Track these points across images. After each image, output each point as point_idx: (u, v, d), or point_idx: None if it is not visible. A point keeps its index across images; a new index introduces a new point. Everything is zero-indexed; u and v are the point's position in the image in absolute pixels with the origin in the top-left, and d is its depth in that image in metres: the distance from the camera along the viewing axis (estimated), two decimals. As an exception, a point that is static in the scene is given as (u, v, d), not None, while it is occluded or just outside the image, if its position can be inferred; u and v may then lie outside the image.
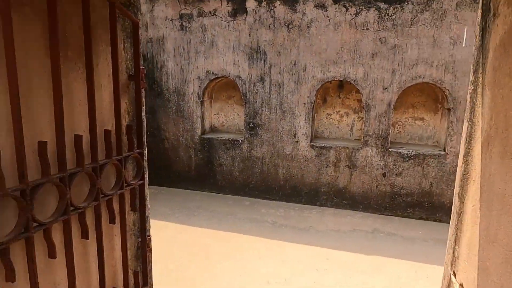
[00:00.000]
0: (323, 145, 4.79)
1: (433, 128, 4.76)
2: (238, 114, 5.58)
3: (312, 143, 4.84)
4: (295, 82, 4.75)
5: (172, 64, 5.25)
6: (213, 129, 5.73)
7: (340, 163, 4.75)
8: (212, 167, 5.36)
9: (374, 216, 4.64)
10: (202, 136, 5.35)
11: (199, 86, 5.18)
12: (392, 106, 4.43)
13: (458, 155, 4.42)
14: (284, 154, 4.97)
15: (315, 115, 5.16)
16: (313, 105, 4.76)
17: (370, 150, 4.60)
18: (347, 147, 4.69)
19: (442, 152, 4.36)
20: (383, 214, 4.68)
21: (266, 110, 4.94)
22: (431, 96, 4.69)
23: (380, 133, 4.53)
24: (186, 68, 5.19)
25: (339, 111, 5.11)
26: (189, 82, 5.22)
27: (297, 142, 4.89)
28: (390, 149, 4.52)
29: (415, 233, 4.18)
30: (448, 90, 4.19)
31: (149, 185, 5.63)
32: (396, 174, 4.55)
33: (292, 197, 5.05)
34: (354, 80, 4.51)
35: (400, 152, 4.49)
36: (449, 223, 4.45)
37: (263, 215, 4.65)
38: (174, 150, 5.51)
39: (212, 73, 5.09)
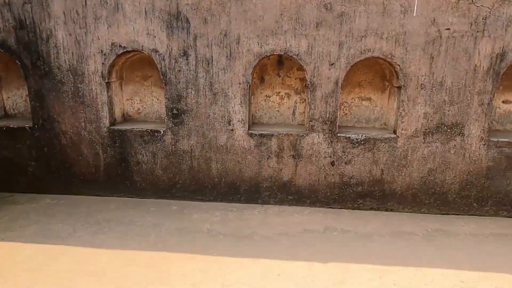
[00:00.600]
0: (263, 132, 4.05)
1: (380, 108, 4.33)
2: (157, 99, 4.53)
3: (250, 131, 4.07)
4: (227, 57, 3.88)
5: (63, 34, 3.95)
6: (127, 118, 4.59)
7: (283, 153, 4.07)
8: (128, 166, 4.27)
9: (324, 211, 4.09)
10: (112, 127, 4.20)
11: (103, 63, 4.00)
12: (339, 85, 3.84)
13: (410, 138, 4.07)
14: (218, 146, 4.12)
15: (252, 97, 4.37)
16: (249, 85, 3.96)
17: (317, 136, 3.99)
18: (290, 134, 4.01)
19: (393, 135, 3.93)
20: (332, 208, 4.16)
21: (193, 92, 4.00)
22: (378, 73, 4.23)
23: (327, 116, 3.93)
24: (83, 39, 3.95)
25: (279, 92, 4.40)
26: (88, 58, 4.00)
27: (232, 130, 4.06)
28: (338, 134, 3.97)
29: (369, 227, 3.72)
30: (399, 65, 3.73)
31: (42, 193, 4.28)
32: (345, 162, 4.02)
33: (230, 196, 4.25)
34: (297, 54, 3.80)
35: (349, 137, 3.96)
36: (400, 212, 4.09)
37: (196, 222, 3.77)
38: (74, 147, 4.27)
39: (120, 45, 3.94)
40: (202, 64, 3.91)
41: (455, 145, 3.86)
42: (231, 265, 3.02)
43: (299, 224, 3.78)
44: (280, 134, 4.02)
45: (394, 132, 3.99)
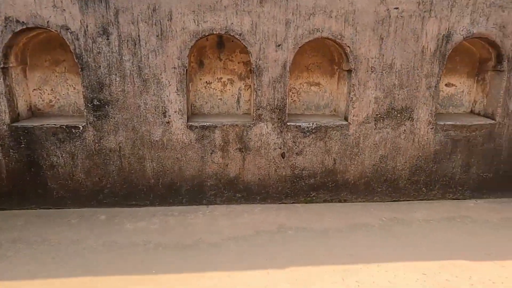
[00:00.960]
0: (205, 124, 3.55)
1: (330, 94, 4.08)
2: (74, 88, 3.76)
3: (190, 123, 3.54)
4: (157, 36, 3.28)
5: None
6: (35, 113, 3.76)
7: (229, 146, 3.62)
8: (39, 171, 3.49)
9: (276, 208, 3.75)
10: (14, 124, 3.37)
11: (-5, 43, 3.15)
12: (288, 68, 3.48)
13: (361, 124, 3.88)
14: (152, 141, 3.53)
15: (190, 84, 3.83)
16: (186, 70, 3.42)
17: (265, 126, 3.60)
18: (236, 125, 3.57)
19: (345, 122, 3.70)
20: (285, 203, 3.84)
21: (118, 79, 3.34)
22: (326, 56, 3.95)
23: (276, 103, 3.56)
24: (-36, 12, 3.06)
25: (221, 78, 3.92)
26: (-27, 36, 3.12)
27: (168, 123, 3.50)
28: (288, 123, 3.63)
29: (325, 222, 3.47)
30: (349, 46, 3.48)
31: None
32: (296, 153, 3.71)
33: (169, 199, 3.70)
34: (240, 34, 3.35)
35: (299, 126, 3.64)
36: (353, 202, 3.90)
37: (129, 234, 3.18)
38: (-37, 151, 3.36)
39: (17, 21, 3.12)
40: (127, 44, 3.27)
41: (405, 130, 3.75)
42: (173, 283, 2.52)
43: (250, 225, 3.39)
44: (224, 125, 3.56)
45: (345, 118, 3.76)
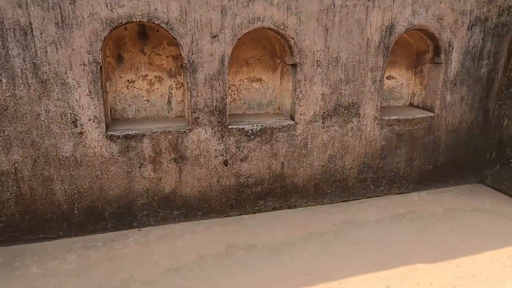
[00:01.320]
0: (130, 132, 2.92)
1: (273, 91, 3.70)
2: None
3: (110, 132, 2.88)
4: (56, 24, 2.54)
5: None
6: None
7: (161, 157, 3.05)
8: None
9: (221, 223, 3.29)
10: None
11: None
12: (226, 63, 3.01)
13: (309, 123, 3.58)
14: (60, 158, 2.79)
15: (108, 84, 3.14)
16: (100, 67, 2.74)
17: (204, 131, 3.10)
18: (168, 131, 3.01)
19: (291, 122, 3.37)
20: (230, 216, 3.40)
21: (4, 80, 2.54)
22: (267, 48, 3.55)
23: (215, 104, 3.07)
24: None
25: (147, 75, 3.28)
26: None
27: (81, 134, 2.79)
28: (230, 126, 3.17)
29: (277, 234, 3.12)
30: (293, 38, 3.12)
31: None
32: (240, 160, 3.28)
33: (90, 226, 3.02)
34: (166, 23, 2.77)
35: (243, 129, 3.21)
36: (303, 206, 3.55)
37: (36, 282, 2.46)
38: None
39: None
40: (15, 34, 2.48)
41: (352, 127, 3.56)
42: None
43: (193, 248, 2.89)
44: (154, 132, 2.97)
45: (291, 117, 3.43)
